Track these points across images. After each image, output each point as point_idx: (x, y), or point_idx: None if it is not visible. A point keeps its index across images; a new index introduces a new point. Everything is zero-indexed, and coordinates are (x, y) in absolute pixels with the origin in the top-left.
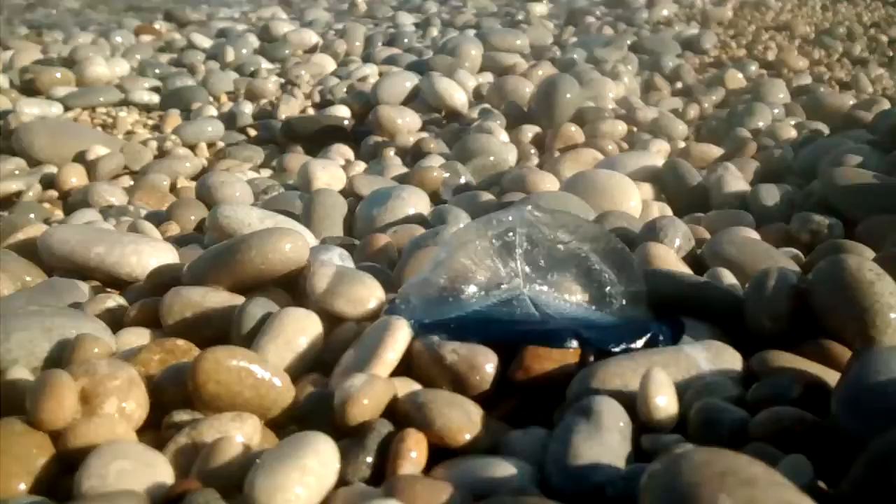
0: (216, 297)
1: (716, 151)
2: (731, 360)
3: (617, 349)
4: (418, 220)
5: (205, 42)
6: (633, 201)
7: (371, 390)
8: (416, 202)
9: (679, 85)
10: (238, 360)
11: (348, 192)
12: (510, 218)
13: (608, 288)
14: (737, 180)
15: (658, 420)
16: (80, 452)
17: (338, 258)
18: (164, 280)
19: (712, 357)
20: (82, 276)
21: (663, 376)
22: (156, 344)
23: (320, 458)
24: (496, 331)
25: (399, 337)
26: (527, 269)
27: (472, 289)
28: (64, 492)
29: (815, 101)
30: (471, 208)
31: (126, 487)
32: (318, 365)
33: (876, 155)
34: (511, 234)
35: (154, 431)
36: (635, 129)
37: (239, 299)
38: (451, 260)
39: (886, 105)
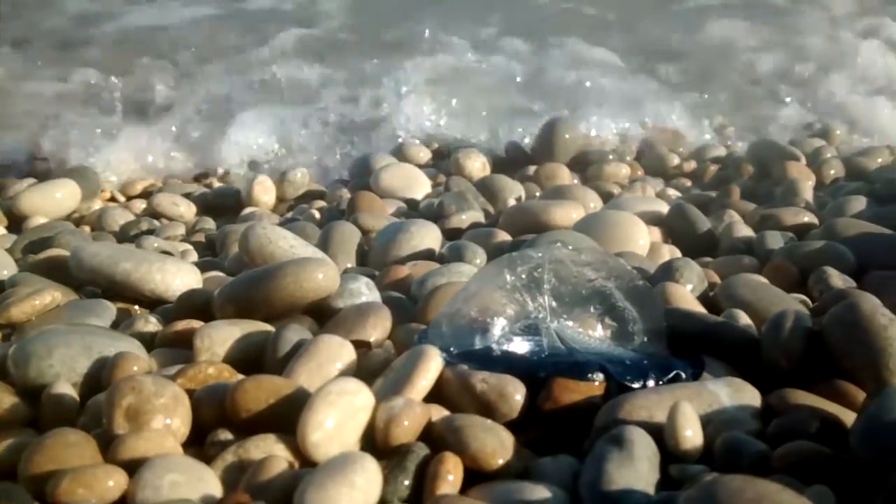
0: (249, 329)
1: None
2: (751, 396)
3: (640, 385)
4: (429, 255)
5: None
6: (643, 240)
7: (411, 413)
8: (427, 236)
9: None
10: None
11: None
12: (539, 254)
13: (631, 325)
14: (743, 227)
15: (685, 451)
16: (130, 464)
17: (365, 287)
18: (194, 303)
19: (733, 393)
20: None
21: (690, 409)
22: (206, 364)
23: (367, 476)
24: (523, 362)
25: (432, 365)
26: (554, 304)
27: (501, 321)
28: None
29: None
30: (486, 247)
31: (180, 497)
32: None
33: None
34: (539, 269)
35: (195, 447)
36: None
37: (270, 328)
38: (482, 293)
39: None
